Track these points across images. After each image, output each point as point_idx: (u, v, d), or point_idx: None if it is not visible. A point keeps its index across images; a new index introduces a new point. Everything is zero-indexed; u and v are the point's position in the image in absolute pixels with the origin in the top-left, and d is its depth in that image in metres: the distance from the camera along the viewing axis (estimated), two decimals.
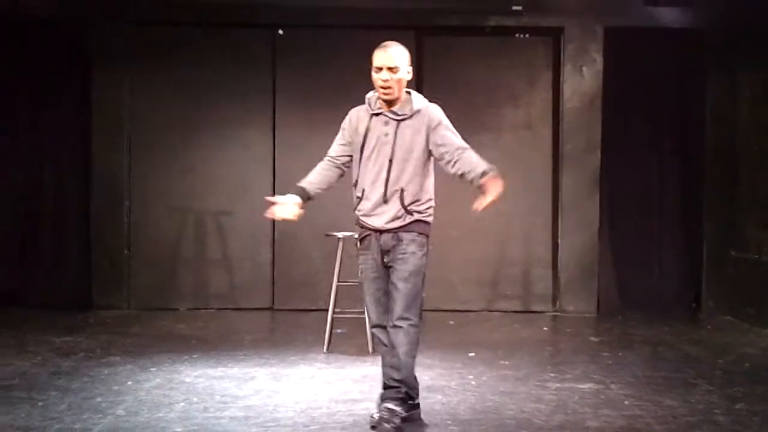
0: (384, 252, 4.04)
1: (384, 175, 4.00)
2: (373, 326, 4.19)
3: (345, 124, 4.17)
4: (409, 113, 4.02)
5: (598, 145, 7.60)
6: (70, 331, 6.51)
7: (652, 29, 7.57)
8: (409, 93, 4.09)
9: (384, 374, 4.06)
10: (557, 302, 7.73)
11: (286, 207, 4.14)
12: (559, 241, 7.70)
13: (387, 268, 4.05)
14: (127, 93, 7.70)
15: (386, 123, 4.03)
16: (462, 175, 4.03)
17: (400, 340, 3.95)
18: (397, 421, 3.94)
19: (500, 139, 7.77)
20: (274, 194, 7.67)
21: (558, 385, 4.93)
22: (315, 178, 4.21)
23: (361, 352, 5.82)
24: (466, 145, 4.07)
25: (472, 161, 4.00)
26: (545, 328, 7.08)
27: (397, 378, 3.99)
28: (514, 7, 7.43)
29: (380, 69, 3.98)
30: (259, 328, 7.02)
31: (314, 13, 7.58)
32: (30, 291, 7.70)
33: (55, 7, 7.49)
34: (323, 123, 7.73)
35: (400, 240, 4.01)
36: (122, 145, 7.70)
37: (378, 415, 3.99)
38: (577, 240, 7.63)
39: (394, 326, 3.96)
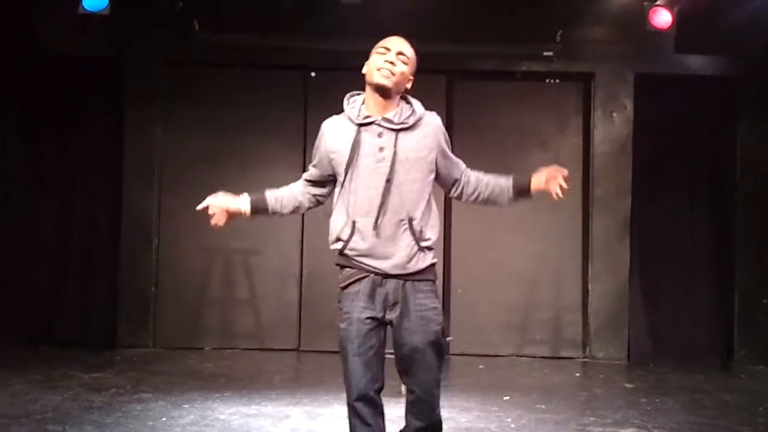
0: (389, 304, 3.12)
1: (378, 201, 3.11)
2: (356, 399, 3.09)
3: (319, 141, 3.27)
4: (411, 121, 3.19)
5: (628, 191, 7.59)
6: (98, 368, 6.45)
7: (683, 76, 7.61)
8: (406, 100, 3.27)
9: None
10: (587, 348, 7.63)
11: (217, 205, 3.42)
12: (590, 286, 7.64)
13: (384, 322, 3.14)
14: (158, 133, 7.76)
15: (380, 134, 3.16)
16: (489, 195, 3.32)
17: (434, 405, 3.17)
18: None
19: None
20: (302, 236, 7.84)
21: (599, 429, 4.84)
22: (283, 192, 3.44)
23: (393, 392, 5.70)
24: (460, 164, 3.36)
25: (489, 177, 3.34)
26: (577, 374, 6.99)
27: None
28: (546, 53, 7.50)
29: (387, 50, 3.19)
30: (287, 368, 6.96)
31: (347, 55, 7.60)
32: (57, 328, 7.64)
33: (91, 47, 7.59)
34: None
35: (415, 291, 3.13)
36: (152, 184, 7.74)
37: None
38: (608, 285, 7.57)
39: (428, 394, 3.14)
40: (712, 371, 7.08)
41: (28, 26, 7.35)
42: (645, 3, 6.96)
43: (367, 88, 3.21)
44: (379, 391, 3.14)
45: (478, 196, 3.32)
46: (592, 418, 5.11)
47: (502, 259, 7.71)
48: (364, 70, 3.24)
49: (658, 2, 6.85)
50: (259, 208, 3.42)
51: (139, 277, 7.64)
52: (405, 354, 3.12)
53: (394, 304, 3.11)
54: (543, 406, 5.45)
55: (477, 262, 7.69)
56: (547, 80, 7.86)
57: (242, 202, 3.42)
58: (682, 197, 7.81)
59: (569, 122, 7.84)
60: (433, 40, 7.49)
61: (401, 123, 3.17)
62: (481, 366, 7.10)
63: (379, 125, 3.16)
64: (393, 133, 3.15)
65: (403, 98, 3.25)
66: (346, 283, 3.17)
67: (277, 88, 7.86)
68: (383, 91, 3.16)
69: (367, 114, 3.17)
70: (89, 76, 7.81)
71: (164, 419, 4.85)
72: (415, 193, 3.15)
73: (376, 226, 3.11)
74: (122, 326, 7.61)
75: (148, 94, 7.74)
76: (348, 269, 3.18)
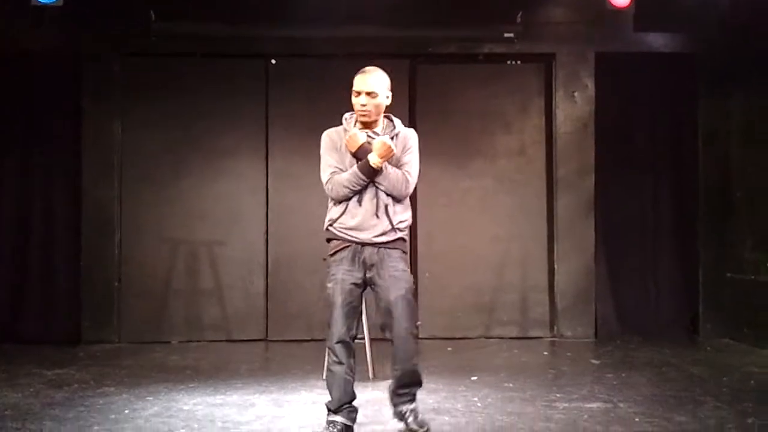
0: (367, 266, 4.09)
1: (372, 191, 4.09)
2: (336, 342, 4.02)
3: (327, 144, 4.20)
4: (390, 134, 4.15)
5: (591, 170, 7.62)
6: (61, 364, 6.33)
7: (643, 54, 7.65)
8: (389, 118, 4.23)
9: (398, 380, 4.12)
10: (555, 327, 7.66)
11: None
12: (556, 265, 7.66)
13: (364, 282, 4.12)
14: (118, 125, 7.63)
15: (368, 143, 4.11)
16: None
17: (411, 352, 4.10)
18: (425, 417, 4.19)
19: (494, 165, 7.78)
20: (267, 225, 7.77)
21: (566, 404, 4.85)
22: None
23: (362, 377, 5.69)
24: (412, 175, 4.16)
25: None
26: (545, 353, 7.01)
27: (410, 382, 4.13)
28: (507, 35, 7.49)
29: (359, 93, 4.11)
30: (255, 359, 6.89)
31: (307, 42, 7.60)
32: (20, 327, 7.50)
33: (46, 40, 7.43)
34: (316, 152, 7.71)
35: (388, 256, 4.10)
36: (113, 177, 7.60)
37: (411, 419, 4.09)
38: (574, 265, 7.60)
39: (403, 341, 4.06)
40: (678, 346, 7.13)
41: None
42: None
43: (355, 113, 4.16)
44: (353, 338, 4.08)
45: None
46: (558, 395, 5.12)
47: (468, 243, 7.71)
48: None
49: None
50: None
51: (101, 272, 7.52)
52: (383, 308, 4.08)
53: (371, 266, 4.07)
54: (510, 385, 5.46)
55: (443, 247, 7.68)
56: (509, 62, 7.85)
57: None
58: (645, 174, 7.86)
59: (532, 103, 7.84)
60: (395, 24, 7.49)
61: (384, 134, 4.14)
62: (449, 348, 7.10)
63: (367, 135, 4.12)
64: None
65: (388, 117, 4.23)
66: (334, 251, 4.15)
67: (237, 77, 7.77)
68: (365, 124, 4.16)
69: (358, 128, 4.15)
70: (45, 69, 7.66)
71: (127, 412, 4.77)
72: None
73: (364, 210, 4.07)
74: (86, 322, 7.49)
75: (105, 87, 7.60)
76: (335, 241, 4.15)
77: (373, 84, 4.10)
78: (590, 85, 7.65)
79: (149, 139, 7.67)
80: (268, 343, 7.56)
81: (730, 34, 7.28)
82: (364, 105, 4.09)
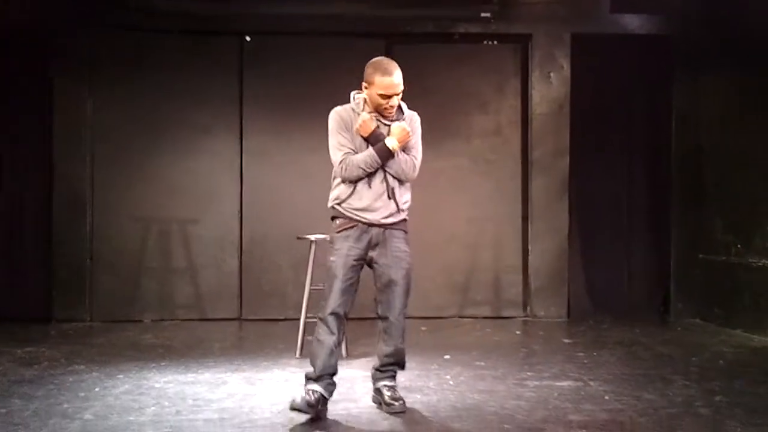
0: (372, 245, 4.17)
1: (381, 174, 4.14)
2: (330, 313, 4.09)
3: (338, 124, 4.18)
4: (401, 118, 4.21)
5: (566, 151, 7.64)
6: (31, 342, 6.28)
7: (619, 36, 7.66)
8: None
9: (381, 359, 4.29)
10: (528, 307, 7.71)
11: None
12: (530, 246, 7.69)
13: (366, 261, 4.20)
14: (89, 100, 7.52)
15: (378, 126, 4.15)
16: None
17: (400, 330, 4.25)
18: (401, 394, 4.31)
19: (470, 145, 7.78)
20: (241, 203, 7.71)
21: (537, 383, 4.88)
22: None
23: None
24: (418, 159, 4.27)
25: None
26: (517, 332, 7.05)
27: (395, 361, 4.28)
28: (483, 15, 7.47)
29: (389, 97, 4.10)
30: (228, 337, 6.86)
31: (282, 19, 7.52)
32: None
33: (14, 13, 7.29)
34: (291, 130, 7.71)
35: (392, 236, 4.21)
36: (84, 154, 7.51)
37: (388, 395, 4.23)
38: (547, 245, 7.64)
39: (396, 320, 4.23)
40: (650, 325, 7.21)
41: None
42: None
43: (370, 102, 4.15)
44: (346, 314, 4.16)
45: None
46: (529, 373, 5.16)
47: (443, 223, 7.71)
48: (364, 93, 4.18)
49: None
50: None
51: (73, 250, 7.44)
52: (383, 284, 4.21)
53: (376, 245, 4.18)
54: (482, 363, 5.49)
55: (418, 226, 7.54)
56: (485, 42, 7.83)
57: None
58: (620, 155, 7.90)
59: (508, 84, 7.83)
60: (371, 3, 7.43)
61: (394, 118, 4.19)
62: (423, 328, 7.11)
63: (378, 119, 4.16)
64: (387, 126, 4.18)
65: None
66: (341, 228, 4.19)
67: (211, 54, 7.68)
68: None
69: (369, 111, 4.16)
70: (15, 44, 7.51)
71: (97, 389, 4.73)
72: None
73: (373, 191, 4.14)
74: (57, 301, 7.43)
75: (77, 63, 7.48)
76: (341, 219, 4.19)
77: (402, 83, 4.12)
78: (566, 66, 7.66)
79: (121, 116, 7.57)
80: (241, 322, 7.54)
81: (706, 17, 7.30)
82: (393, 106, 4.14)
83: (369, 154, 4.11)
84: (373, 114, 4.17)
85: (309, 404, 4.00)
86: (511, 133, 7.83)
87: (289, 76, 7.58)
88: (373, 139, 4.13)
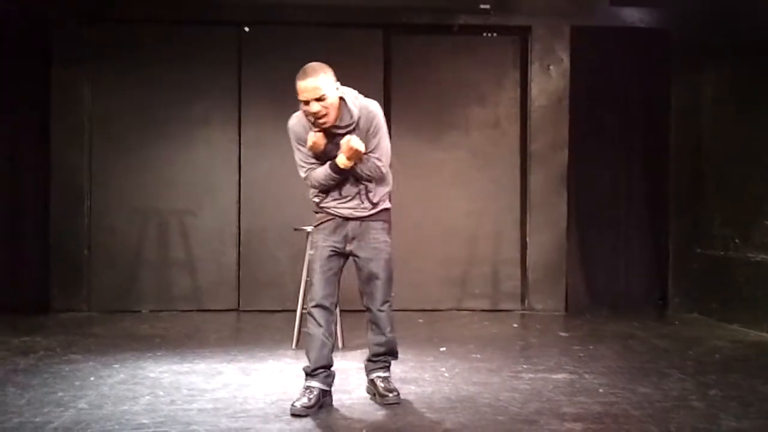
0: (349, 238, 4.14)
1: (351, 177, 4.07)
2: (314, 306, 4.06)
3: (294, 139, 4.08)
4: (352, 123, 3.98)
5: (565, 144, 7.63)
6: (28, 332, 6.28)
7: (618, 29, 7.64)
8: (342, 99, 3.95)
9: (372, 348, 4.31)
10: (526, 300, 7.70)
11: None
12: (528, 239, 7.68)
13: (345, 253, 4.17)
14: (87, 91, 7.52)
15: (333, 137, 3.99)
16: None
17: (386, 321, 4.25)
18: (395, 385, 4.29)
19: (468, 137, 7.77)
20: (239, 194, 7.70)
21: (531, 375, 4.88)
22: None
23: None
24: (382, 160, 4.07)
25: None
26: (515, 325, 7.04)
27: (386, 351, 4.29)
28: (482, 6, 7.44)
29: (307, 102, 3.85)
30: (225, 328, 6.86)
31: (280, 9, 7.50)
32: None
33: (13, 3, 7.28)
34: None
35: (369, 228, 4.15)
36: (83, 145, 7.51)
37: (382, 386, 4.23)
38: (545, 238, 7.63)
39: (380, 311, 4.22)
40: (647, 319, 7.21)
41: None
42: None
43: None
44: (332, 304, 4.12)
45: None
46: (525, 366, 5.15)
47: (442, 215, 7.71)
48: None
49: None
50: None
51: (71, 240, 7.45)
52: (364, 277, 4.18)
53: (353, 238, 4.12)
54: (478, 356, 5.49)
55: (416, 219, 7.66)
56: (484, 34, 7.80)
57: None
58: (618, 149, 7.89)
59: (507, 76, 7.81)
60: None
61: (346, 126, 3.98)
62: (420, 320, 7.11)
63: (330, 131, 3.97)
64: (341, 137, 3.97)
65: (342, 99, 3.94)
66: (318, 222, 4.18)
67: (210, 44, 7.66)
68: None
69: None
70: (13, 33, 7.50)
71: (93, 379, 4.74)
72: None
73: (343, 194, 4.10)
74: (55, 291, 7.44)
75: (75, 53, 7.47)
76: (321, 214, 4.18)
77: (319, 87, 3.82)
78: (565, 58, 7.63)
79: (120, 107, 7.56)
80: (239, 313, 7.54)
81: (706, 11, 7.27)
82: (318, 111, 3.85)
83: (325, 174, 4.02)
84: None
85: (307, 407, 4.01)
86: (510, 125, 7.81)
87: (287, 66, 7.37)
88: (325, 157, 4.02)
